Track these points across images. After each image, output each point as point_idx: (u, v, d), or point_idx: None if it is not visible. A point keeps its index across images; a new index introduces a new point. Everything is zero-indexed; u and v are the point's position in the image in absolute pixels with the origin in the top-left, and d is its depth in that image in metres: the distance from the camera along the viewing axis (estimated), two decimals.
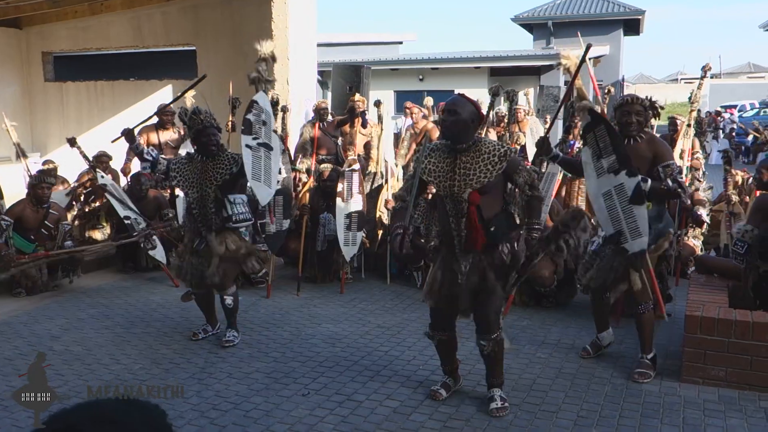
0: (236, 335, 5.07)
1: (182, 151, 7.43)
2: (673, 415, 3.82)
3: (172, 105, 8.03)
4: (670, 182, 4.33)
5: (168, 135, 8.07)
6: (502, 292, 3.87)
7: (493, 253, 3.78)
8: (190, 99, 7.93)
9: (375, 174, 7.54)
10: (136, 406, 1.13)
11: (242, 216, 5.00)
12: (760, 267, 4.63)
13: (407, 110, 13.05)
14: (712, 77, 38.05)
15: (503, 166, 3.72)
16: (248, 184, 5.16)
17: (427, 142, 4.27)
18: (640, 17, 25.00)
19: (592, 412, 3.87)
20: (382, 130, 7.58)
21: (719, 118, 23.63)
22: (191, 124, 4.83)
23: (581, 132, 4.57)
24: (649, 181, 4.27)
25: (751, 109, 29.32)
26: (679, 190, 4.46)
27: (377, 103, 7.67)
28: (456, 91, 16.17)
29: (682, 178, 4.59)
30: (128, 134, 5.00)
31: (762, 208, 4.64)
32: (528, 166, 4.03)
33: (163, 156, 5.19)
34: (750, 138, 17.93)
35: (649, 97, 4.66)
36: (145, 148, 5.11)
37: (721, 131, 22.46)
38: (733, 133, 22.00)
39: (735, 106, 29.71)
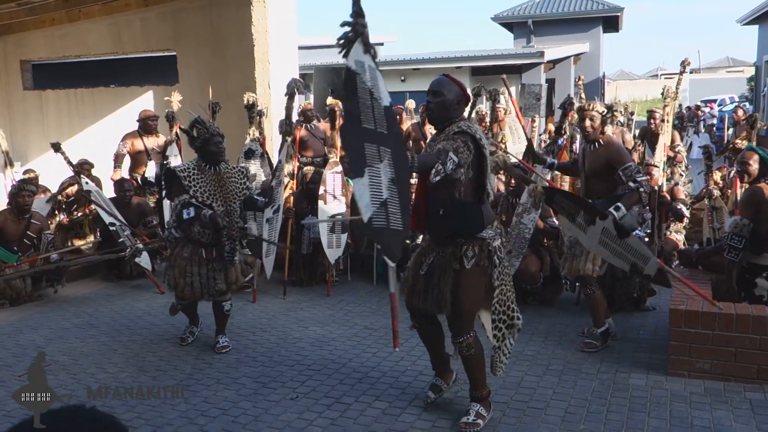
0: (228, 340, 5.06)
1: (173, 158, 7.39)
2: (660, 409, 3.85)
3: (153, 112, 8.01)
4: (631, 183, 4.62)
5: (153, 141, 8.03)
6: (472, 296, 3.63)
7: (455, 251, 3.62)
8: (176, 104, 7.91)
9: None
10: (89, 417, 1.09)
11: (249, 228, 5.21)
12: (744, 260, 4.68)
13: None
14: (691, 72, 38.44)
15: (456, 145, 3.69)
16: None
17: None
18: (618, 14, 25.17)
19: (580, 407, 3.90)
20: None
21: (699, 112, 23.83)
22: (197, 134, 4.73)
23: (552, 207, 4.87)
24: (621, 207, 4.53)
25: (731, 103, 29.61)
26: (641, 189, 4.69)
27: None
28: None
29: (641, 176, 4.72)
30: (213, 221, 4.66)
31: (754, 201, 4.68)
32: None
33: (138, 172, 5.14)
34: (730, 132, 18.10)
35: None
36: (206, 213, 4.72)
37: (702, 125, 22.64)
38: (713, 127, 22.18)
39: (715, 101, 30.00)
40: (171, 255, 4.99)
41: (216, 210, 4.69)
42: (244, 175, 4.96)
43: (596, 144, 4.82)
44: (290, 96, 6.03)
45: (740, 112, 10.69)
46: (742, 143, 9.34)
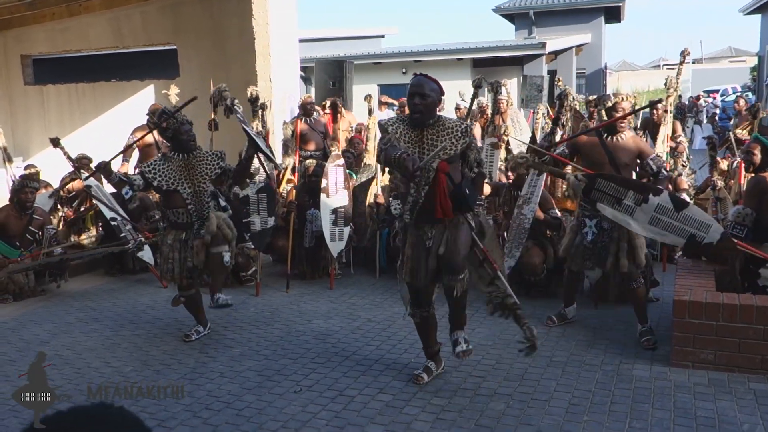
0: (226, 297, 5.16)
1: None
2: (664, 400, 3.85)
3: (161, 106, 7.98)
4: (664, 172, 4.74)
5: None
6: (469, 238, 3.98)
7: (459, 224, 3.94)
8: (174, 98, 7.90)
9: (370, 165, 7.53)
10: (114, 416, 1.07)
11: (227, 208, 5.16)
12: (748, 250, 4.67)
13: (382, 104, 13.08)
14: (693, 62, 38.31)
15: (467, 141, 3.92)
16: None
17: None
18: (620, 4, 25.08)
19: (584, 399, 3.90)
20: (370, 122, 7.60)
21: (700, 102, 23.74)
22: (169, 125, 4.86)
23: (584, 197, 4.78)
24: (662, 189, 4.52)
25: (733, 93, 29.49)
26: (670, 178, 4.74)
27: (367, 98, 7.69)
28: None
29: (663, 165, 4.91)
30: (104, 169, 4.86)
31: (757, 191, 4.67)
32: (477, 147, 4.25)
33: (133, 174, 5.23)
34: (732, 122, 18.04)
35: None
36: (118, 172, 5.03)
37: (704, 115, 22.57)
38: (716, 117, 22.11)
39: (717, 91, 29.90)
40: (161, 245, 5.08)
41: (182, 192, 4.80)
42: (219, 157, 5.03)
43: (621, 136, 4.84)
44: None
45: (741, 102, 10.64)
46: (742, 134, 9.34)
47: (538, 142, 9.15)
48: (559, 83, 8.10)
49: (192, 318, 5.26)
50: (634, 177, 5.00)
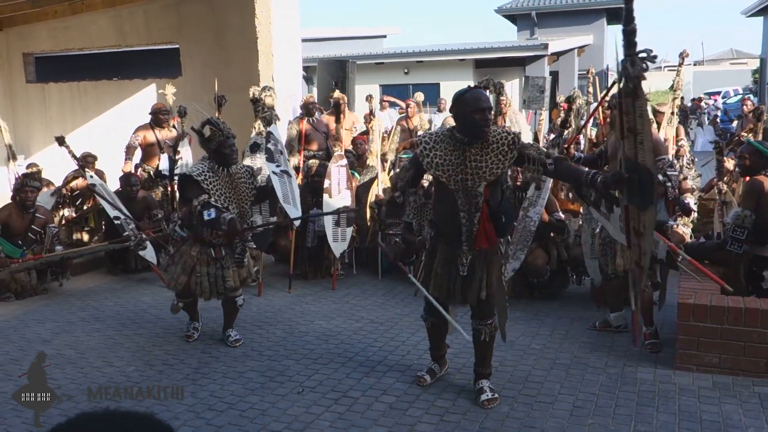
0: (237, 333, 5.08)
1: (185, 151, 7.35)
2: (669, 403, 3.84)
3: (169, 105, 7.99)
4: (660, 176, 4.56)
5: (165, 134, 8.02)
6: (500, 281, 3.94)
7: (494, 257, 3.83)
8: (171, 96, 7.89)
9: (373, 167, 7.52)
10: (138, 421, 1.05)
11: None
12: (750, 252, 4.66)
13: (384, 103, 13.09)
14: (695, 64, 38.26)
15: (515, 155, 3.67)
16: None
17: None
18: (623, 5, 25.02)
19: (588, 402, 3.88)
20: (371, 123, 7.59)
21: (702, 104, 23.71)
22: (212, 136, 4.63)
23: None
24: None
25: (735, 95, 29.47)
26: (668, 184, 4.68)
27: (369, 98, 7.67)
28: (441, 84, 16.23)
29: (673, 171, 4.79)
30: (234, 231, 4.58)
31: (754, 193, 4.67)
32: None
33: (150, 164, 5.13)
34: (734, 124, 18.02)
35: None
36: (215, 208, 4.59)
37: (705, 117, 22.55)
38: (717, 120, 22.09)
39: (719, 93, 29.88)
40: (175, 252, 4.94)
41: (232, 213, 4.60)
42: (251, 174, 4.93)
43: None
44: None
45: (748, 104, 10.60)
46: (744, 137, 9.32)
47: (541, 144, 9.19)
48: (590, 74, 7.95)
49: (202, 315, 5.26)
50: None
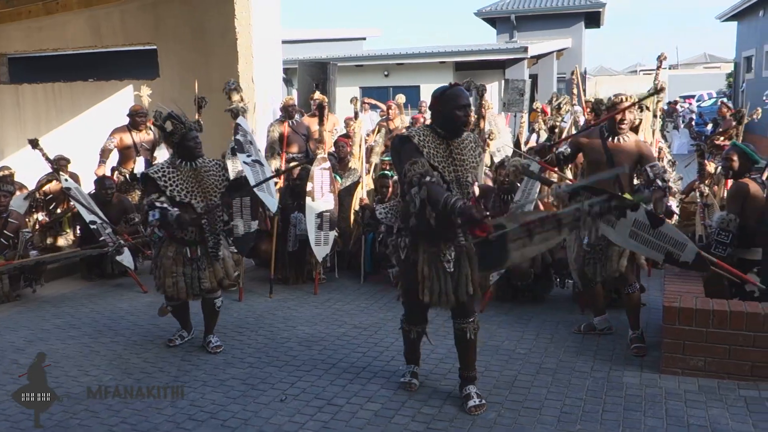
0: (218, 339, 4.97)
1: (161, 156, 7.25)
2: (656, 407, 3.81)
3: (145, 107, 7.85)
4: (659, 182, 4.58)
5: (142, 136, 7.89)
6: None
7: (472, 251, 3.81)
8: (146, 98, 7.77)
9: (356, 170, 7.45)
10: None
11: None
12: (734, 255, 4.67)
13: (365, 105, 13.04)
14: (669, 68, 38.63)
15: (482, 152, 3.89)
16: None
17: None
18: (600, 9, 25.22)
19: (575, 407, 3.84)
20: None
21: (678, 107, 23.96)
22: (174, 130, 4.58)
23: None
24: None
25: (709, 98, 29.86)
26: (666, 190, 4.66)
27: (353, 100, 7.61)
28: (422, 86, 16.19)
29: (668, 176, 4.79)
30: (36, 145, 4.61)
31: (739, 196, 4.67)
32: None
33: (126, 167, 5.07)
34: (709, 127, 18.21)
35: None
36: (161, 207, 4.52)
37: (681, 120, 22.78)
38: (693, 123, 22.33)
39: (693, 96, 30.23)
40: (156, 255, 4.85)
41: (196, 207, 4.58)
42: (222, 167, 4.86)
43: (624, 138, 4.70)
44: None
45: (725, 109, 10.66)
46: (723, 141, 9.40)
47: (522, 147, 9.18)
48: (575, 76, 7.89)
49: (174, 324, 5.14)
50: (635, 181, 4.84)
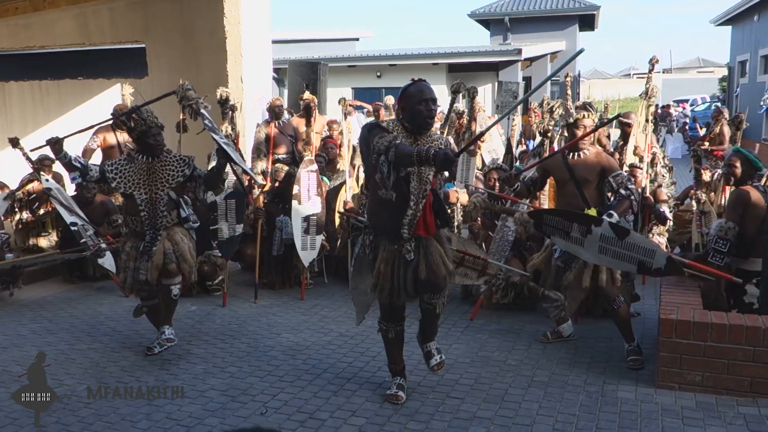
0: (173, 332, 4.83)
1: None
2: (652, 425, 3.65)
3: (128, 106, 7.65)
4: (622, 191, 4.62)
5: (126, 136, 7.70)
6: (448, 250, 3.96)
7: (438, 239, 3.86)
8: (129, 97, 7.60)
9: (344, 172, 7.28)
10: None
11: (192, 217, 4.94)
12: (732, 266, 4.53)
13: (350, 108, 12.88)
14: (663, 72, 38.68)
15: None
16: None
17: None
18: (595, 12, 25.14)
19: (568, 423, 3.69)
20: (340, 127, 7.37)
21: (671, 111, 23.90)
22: (134, 126, 4.63)
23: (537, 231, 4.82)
24: (613, 213, 4.49)
25: (703, 103, 29.85)
26: (632, 197, 4.65)
27: (341, 101, 7.42)
28: None
29: (631, 184, 4.74)
30: (55, 144, 4.64)
31: (740, 204, 4.53)
32: None
33: (93, 162, 5.01)
34: (702, 132, 18.13)
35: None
36: (73, 155, 4.76)
37: (675, 124, 22.71)
38: (686, 127, 22.27)
39: (687, 101, 30.22)
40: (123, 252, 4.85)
41: (137, 198, 4.58)
42: (185, 163, 4.74)
43: (585, 152, 4.71)
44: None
45: (720, 116, 10.49)
46: (710, 147, 9.32)
47: (514, 151, 9.04)
48: (568, 80, 7.72)
49: (153, 329, 4.97)
50: (601, 194, 4.82)
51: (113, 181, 4.65)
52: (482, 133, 5.29)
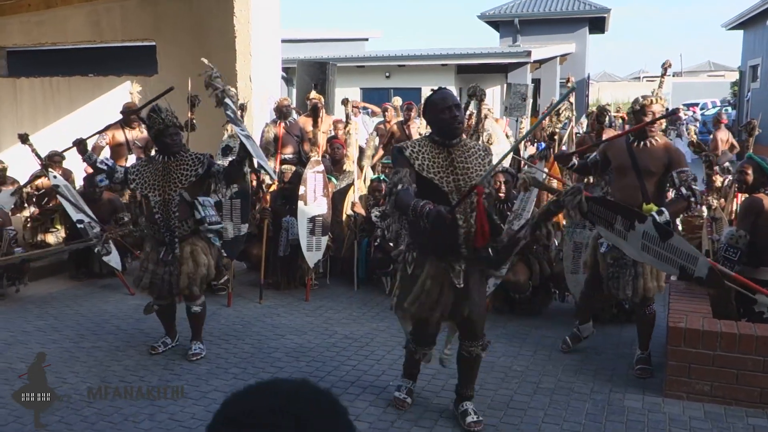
0: (202, 347, 4.79)
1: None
2: None
3: (136, 104, 7.65)
4: (683, 190, 4.26)
5: (135, 134, 7.72)
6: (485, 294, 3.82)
7: (480, 251, 3.57)
8: (137, 95, 7.59)
9: (351, 172, 7.26)
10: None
11: (213, 218, 4.78)
12: (743, 275, 4.46)
13: (356, 109, 12.86)
14: (673, 75, 38.46)
15: (490, 158, 3.68)
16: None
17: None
18: (605, 15, 25.04)
19: None
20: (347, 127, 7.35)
21: (681, 115, 23.76)
22: (151, 124, 4.57)
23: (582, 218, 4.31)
24: (665, 211, 4.18)
25: (713, 107, 29.67)
26: (692, 198, 4.32)
27: (345, 102, 7.38)
28: (423, 89, 15.93)
29: (695, 184, 4.37)
30: (80, 144, 4.66)
31: (752, 212, 4.47)
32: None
33: (119, 164, 4.99)
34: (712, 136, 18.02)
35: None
36: (99, 157, 4.77)
37: (684, 128, 22.59)
38: (696, 131, 22.13)
39: (697, 104, 30.04)
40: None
41: (151, 200, 4.55)
42: (199, 162, 4.65)
43: (652, 141, 4.38)
44: None
45: (723, 117, 10.50)
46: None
47: (521, 153, 8.99)
48: (569, 83, 7.64)
49: (159, 329, 4.96)
50: (662, 189, 4.49)
51: (132, 183, 4.65)
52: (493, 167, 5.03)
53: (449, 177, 3.52)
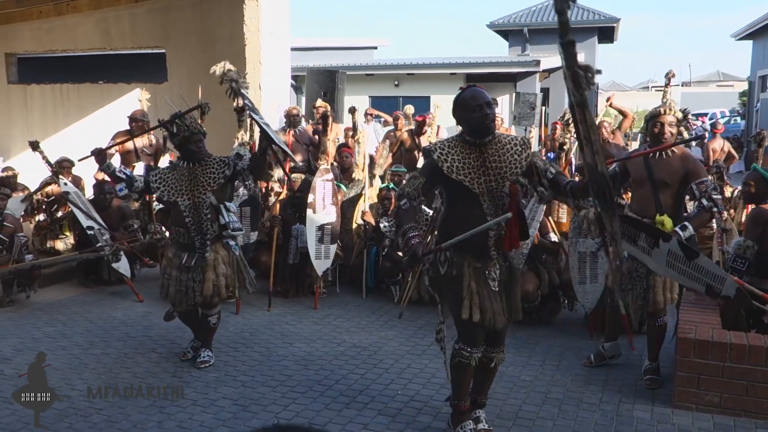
0: (211, 355, 4.80)
1: (163, 163, 7.12)
2: None
3: (145, 112, 7.70)
4: (704, 201, 4.19)
5: (143, 141, 7.75)
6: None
7: (508, 254, 3.57)
8: (146, 103, 7.64)
9: (360, 181, 7.27)
10: None
11: (236, 225, 4.83)
12: (752, 285, 4.45)
13: (368, 116, 12.88)
14: (682, 85, 38.40)
15: (528, 153, 3.49)
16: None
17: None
18: (614, 25, 25.05)
19: None
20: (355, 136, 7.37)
21: (690, 125, 23.71)
22: (177, 131, 4.58)
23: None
24: (689, 226, 4.13)
25: (722, 117, 29.59)
26: (714, 209, 4.25)
27: (351, 110, 7.40)
28: (432, 98, 15.89)
29: (716, 194, 4.31)
30: (99, 154, 4.68)
31: (759, 223, 4.45)
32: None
33: (137, 175, 5.02)
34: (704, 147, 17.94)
35: (685, 109, 4.56)
36: (117, 167, 4.79)
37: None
38: (705, 141, 22.04)
39: (706, 114, 29.96)
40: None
41: (181, 205, 4.56)
42: (226, 164, 4.65)
43: (668, 153, 4.28)
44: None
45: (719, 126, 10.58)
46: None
47: None
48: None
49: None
50: (680, 202, 4.43)
51: (157, 190, 4.67)
52: None
53: (480, 178, 3.41)
